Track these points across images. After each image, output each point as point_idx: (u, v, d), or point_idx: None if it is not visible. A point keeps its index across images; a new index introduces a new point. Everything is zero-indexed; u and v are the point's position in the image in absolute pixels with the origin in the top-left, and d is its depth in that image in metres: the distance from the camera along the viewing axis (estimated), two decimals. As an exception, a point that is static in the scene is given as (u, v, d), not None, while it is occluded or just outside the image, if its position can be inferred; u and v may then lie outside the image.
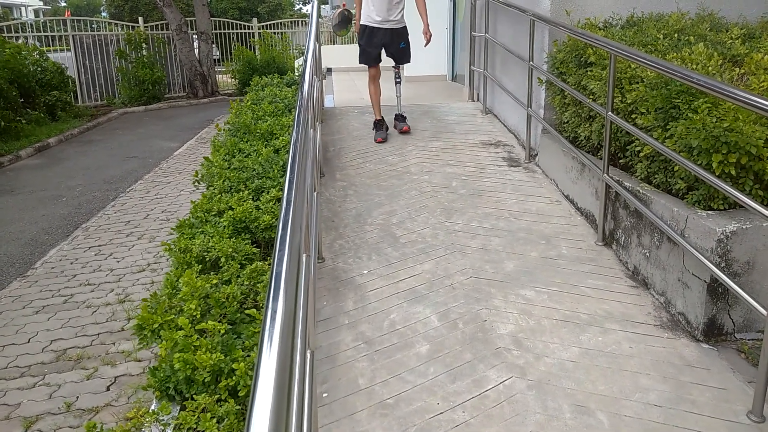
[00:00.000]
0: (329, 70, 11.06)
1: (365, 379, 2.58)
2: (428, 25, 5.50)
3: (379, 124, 5.63)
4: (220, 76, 16.22)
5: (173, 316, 2.37)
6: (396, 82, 5.66)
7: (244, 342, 2.43)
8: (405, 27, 5.55)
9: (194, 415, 1.92)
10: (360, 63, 5.62)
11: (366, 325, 2.95)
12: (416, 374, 2.58)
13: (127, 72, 13.94)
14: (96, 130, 11.76)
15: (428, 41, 5.51)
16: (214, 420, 1.93)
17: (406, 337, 2.84)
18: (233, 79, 14.97)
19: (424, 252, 3.63)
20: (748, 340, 2.70)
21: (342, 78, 10.35)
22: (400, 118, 5.74)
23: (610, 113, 3.31)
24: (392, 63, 5.70)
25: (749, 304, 2.29)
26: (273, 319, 1.01)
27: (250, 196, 3.51)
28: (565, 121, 4.27)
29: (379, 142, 5.47)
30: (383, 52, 5.55)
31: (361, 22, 5.47)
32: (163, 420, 1.96)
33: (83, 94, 14.00)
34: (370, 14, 5.41)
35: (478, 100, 6.83)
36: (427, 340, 2.81)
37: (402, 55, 5.59)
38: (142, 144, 10.30)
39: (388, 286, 3.29)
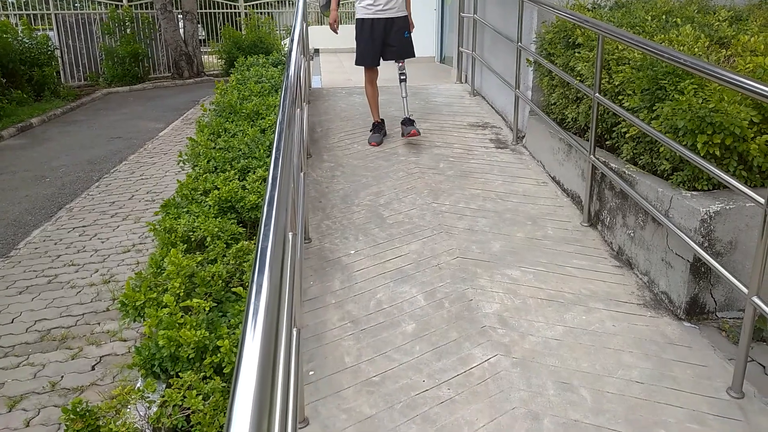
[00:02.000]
0: (316, 51, 10.95)
1: (351, 357, 2.59)
2: (410, 14, 5.05)
3: (377, 127, 5.14)
4: (206, 56, 16.02)
5: (157, 294, 2.36)
6: (401, 80, 4.93)
7: (229, 320, 2.43)
8: (407, 16, 4.97)
9: (180, 393, 1.92)
10: (357, 64, 5.02)
11: (353, 305, 2.96)
12: (402, 352, 2.60)
13: (110, 51, 13.72)
14: (80, 110, 11.59)
15: (410, 32, 5.03)
16: (200, 397, 1.93)
17: (393, 317, 2.85)
18: (219, 60, 14.79)
19: (411, 233, 3.64)
20: (729, 318, 2.74)
21: (329, 59, 10.26)
22: (407, 121, 4.96)
23: (597, 94, 3.32)
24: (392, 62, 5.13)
25: (731, 283, 2.32)
26: (258, 293, 1.00)
27: (236, 176, 3.48)
28: (553, 102, 4.27)
29: (374, 146, 4.97)
30: (383, 52, 4.96)
31: (357, 16, 4.92)
32: (148, 397, 1.96)
33: (66, 74, 13.76)
34: (366, 3, 4.83)
35: (466, 81, 6.81)
36: (414, 319, 2.82)
37: (405, 48, 4.97)
38: (127, 124, 10.18)
39: (375, 266, 3.29)
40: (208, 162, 3.72)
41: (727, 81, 2.25)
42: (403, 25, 4.92)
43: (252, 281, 1.03)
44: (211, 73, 15.27)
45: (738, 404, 2.25)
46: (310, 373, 2.51)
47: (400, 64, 4.93)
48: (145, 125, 10.08)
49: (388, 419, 2.24)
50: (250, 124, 4.34)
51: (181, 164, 4.40)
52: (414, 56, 5.06)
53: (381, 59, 4.99)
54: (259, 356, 0.88)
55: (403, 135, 4.93)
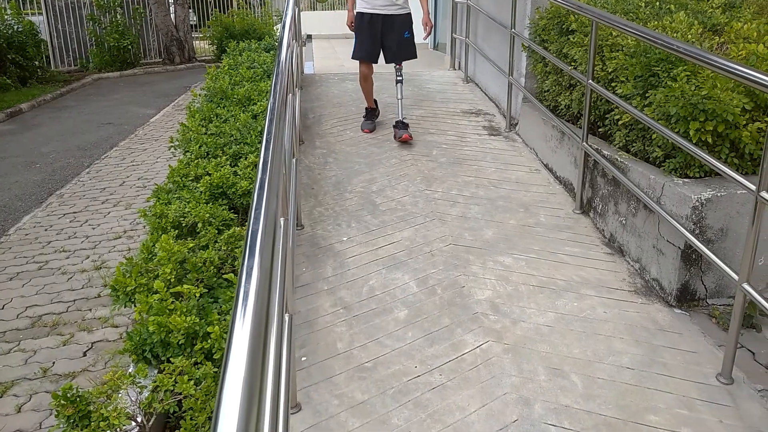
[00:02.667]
0: (309, 36, 10.88)
1: (344, 343, 2.59)
2: (429, 14, 4.75)
3: (370, 113, 5.00)
4: (197, 42, 15.87)
5: (147, 279, 2.35)
6: (397, 81, 4.72)
7: (220, 306, 2.42)
8: (409, 14, 4.68)
9: (171, 378, 1.92)
10: (354, 58, 4.79)
11: (345, 291, 2.96)
12: (394, 338, 2.60)
13: (100, 36, 13.56)
14: (69, 95, 11.46)
15: (429, 33, 4.76)
16: (191, 382, 1.92)
17: (385, 303, 2.85)
18: (211, 46, 14.66)
19: (404, 219, 3.63)
20: (720, 305, 2.76)
21: (322, 45, 10.19)
22: (401, 125, 4.70)
23: (590, 81, 3.31)
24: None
25: (722, 270, 2.33)
26: (249, 277, 1.00)
27: (228, 162, 3.46)
28: (546, 89, 4.26)
29: (366, 133, 4.88)
30: (381, 51, 4.75)
31: (357, 10, 4.67)
32: (140, 383, 1.96)
33: (56, 59, 13.60)
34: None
35: (459, 68, 6.78)
36: (406, 305, 2.83)
37: (405, 49, 4.68)
38: (118, 110, 10.08)
39: (368, 253, 3.29)
40: (199, 147, 3.69)
41: (720, 68, 2.24)
42: (404, 24, 4.64)
43: (242, 265, 1.02)
44: (203, 58, 15.14)
45: (727, 390, 2.27)
46: (303, 359, 2.51)
47: (398, 66, 4.72)
48: (136, 111, 10.00)
49: (380, 405, 2.25)
50: (242, 110, 4.31)
51: (172, 150, 4.37)
52: (415, 57, 4.78)
53: (378, 59, 4.77)
54: (249, 340, 0.88)
55: (395, 138, 4.69)
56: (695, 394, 2.25)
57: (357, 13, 4.69)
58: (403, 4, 4.64)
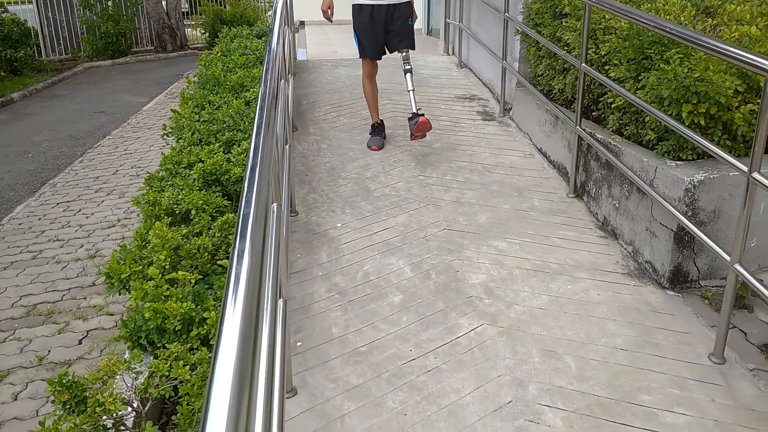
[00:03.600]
0: (302, 23, 10.79)
1: (339, 328, 2.60)
2: (413, 4, 4.46)
3: (377, 129, 4.51)
4: (189, 29, 15.74)
5: (142, 266, 2.35)
6: (405, 71, 4.28)
7: (215, 293, 2.42)
8: (410, 3, 4.40)
9: (167, 363, 1.93)
10: (362, 57, 4.44)
11: (340, 277, 2.97)
12: (389, 323, 2.62)
13: (91, 24, 13.44)
14: (61, 84, 11.38)
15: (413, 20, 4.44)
16: (187, 368, 1.93)
17: (380, 288, 2.86)
18: (203, 33, 14.55)
19: (398, 205, 3.63)
20: (712, 286, 2.78)
21: (315, 31, 10.12)
22: (415, 116, 4.17)
23: (583, 65, 3.30)
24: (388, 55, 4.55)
25: (714, 251, 2.35)
26: (240, 259, 1.00)
27: (221, 149, 3.45)
28: (540, 73, 4.25)
29: (374, 150, 4.38)
30: (386, 42, 4.37)
31: (354, 1, 4.29)
32: (135, 368, 1.96)
33: (47, 48, 13.47)
34: None
35: (453, 53, 6.75)
36: (401, 290, 2.84)
37: (409, 36, 4.35)
38: (110, 99, 10.02)
39: (362, 238, 3.29)
40: (192, 135, 3.68)
41: (713, 49, 2.24)
42: (406, 12, 4.35)
43: (234, 248, 1.02)
44: (195, 46, 15.02)
45: (719, 370, 2.29)
46: (298, 344, 2.52)
47: (404, 53, 4.29)
48: (129, 99, 9.94)
49: (376, 388, 2.26)
50: (235, 97, 4.29)
51: (165, 138, 4.35)
52: (414, 48, 4.42)
53: (385, 51, 4.42)
54: (241, 322, 0.88)
55: (412, 134, 4.14)
56: (687, 374, 2.27)
57: (354, 5, 4.28)
58: None
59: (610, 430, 2.04)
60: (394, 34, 4.32)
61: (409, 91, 4.22)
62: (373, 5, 4.23)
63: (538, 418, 2.09)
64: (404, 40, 4.33)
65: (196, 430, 1.95)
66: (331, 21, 4.44)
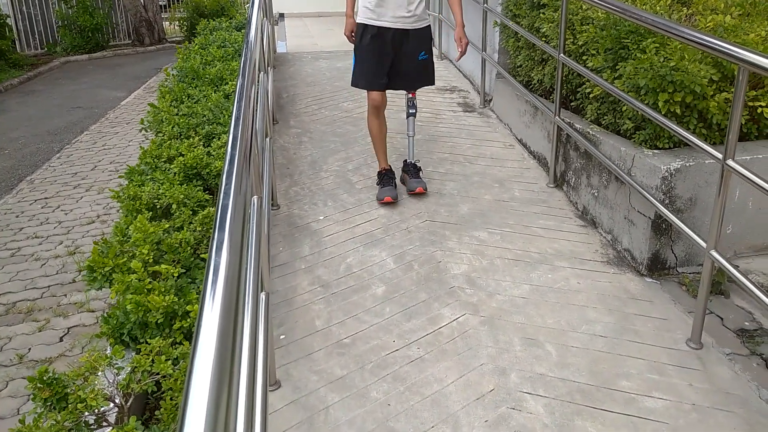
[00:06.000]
0: (281, 15, 10.72)
1: (322, 320, 2.61)
2: (463, 26, 3.48)
3: (386, 178, 3.58)
4: (167, 23, 15.55)
5: (125, 259, 2.33)
6: (408, 114, 3.60)
7: (198, 286, 2.41)
8: (429, 27, 3.52)
9: (149, 358, 1.92)
10: (354, 85, 3.57)
11: (322, 269, 2.97)
12: (372, 314, 2.62)
13: (67, 18, 13.22)
14: (37, 79, 11.20)
15: (463, 52, 3.46)
16: (169, 362, 1.92)
17: (363, 280, 2.87)
18: (181, 27, 14.38)
19: (380, 197, 3.63)
20: (689, 273, 2.82)
21: (295, 23, 10.05)
22: (411, 169, 3.63)
23: (561, 55, 3.33)
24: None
25: (691, 238, 2.38)
26: (219, 249, 1.00)
27: (201, 142, 3.43)
28: (519, 64, 4.27)
29: (388, 203, 3.49)
30: (390, 76, 3.47)
31: (358, 20, 3.43)
32: (117, 364, 1.95)
33: (22, 43, 13.22)
34: (372, 5, 3.34)
35: (433, 45, 6.75)
36: (383, 281, 2.85)
37: (421, 74, 3.52)
38: (87, 94, 9.89)
39: (345, 231, 3.29)
40: (172, 128, 3.65)
41: (688, 39, 2.27)
42: (422, 42, 3.45)
43: (212, 239, 1.02)
44: (173, 39, 14.84)
45: (696, 354, 2.34)
46: (281, 337, 2.52)
47: (411, 95, 3.58)
48: (107, 94, 9.81)
49: (359, 379, 2.27)
50: (214, 90, 4.26)
51: (143, 132, 4.31)
52: (433, 83, 3.67)
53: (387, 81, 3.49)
54: (220, 312, 0.88)
55: (402, 182, 3.66)
56: (666, 360, 2.31)
57: (357, 24, 3.43)
58: (421, 14, 3.39)
59: (590, 416, 2.07)
60: (401, 72, 3.46)
61: (408, 136, 3.65)
62: (378, 27, 3.35)
63: (519, 406, 2.12)
64: (413, 82, 3.55)
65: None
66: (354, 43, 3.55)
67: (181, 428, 0.68)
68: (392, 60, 3.41)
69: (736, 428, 2.00)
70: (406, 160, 3.70)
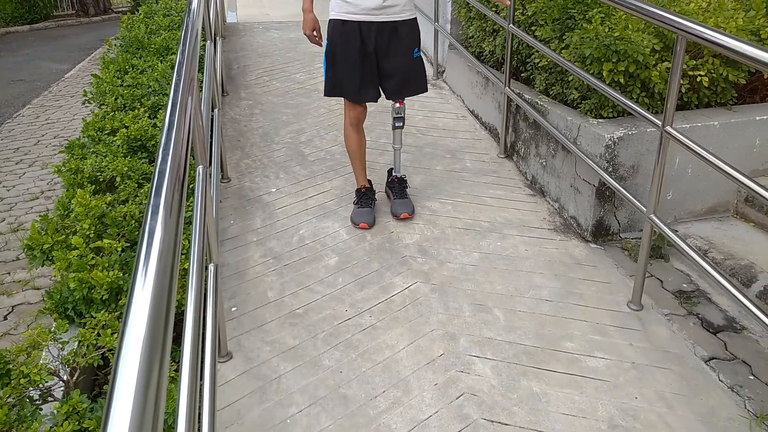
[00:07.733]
0: (232, -15, 10.42)
1: (274, 292, 2.60)
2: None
3: (364, 198, 3.12)
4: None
5: (65, 236, 2.27)
6: (395, 126, 3.10)
7: (145, 260, 2.37)
8: (415, 19, 2.89)
9: (94, 332, 1.88)
10: (328, 95, 2.96)
11: (275, 242, 2.95)
12: (325, 285, 2.63)
13: (5, -14, 12.58)
14: (-27, 51, 10.67)
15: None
16: (115, 336, 1.89)
17: (315, 251, 2.87)
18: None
19: (333, 169, 3.62)
20: (632, 238, 2.92)
21: (246, -6, 9.80)
22: (397, 187, 3.18)
23: (511, 25, 3.35)
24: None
25: (633, 204, 2.46)
26: (154, 213, 0.98)
27: (146, 114, 3.33)
28: (471, 35, 4.28)
29: (363, 228, 3.03)
30: (379, 80, 2.92)
31: (333, 16, 2.82)
32: (61, 338, 1.91)
33: (-45, 11, 12.56)
34: None
35: (386, 16, 6.69)
36: (336, 252, 2.85)
37: (414, 77, 2.95)
38: (29, 66, 9.48)
39: (297, 203, 3.28)
40: (115, 100, 3.53)
41: (632, 8, 2.31)
42: (411, 35, 2.87)
43: (148, 204, 1.00)
44: (119, 9, 14.32)
45: (637, 315, 2.43)
46: (233, 309, 2.51)
47: (398, 105, 3.03)
48: (49, 67, 9.42)
49: (312, 348, 2.29)
50: (160, 60, 4.14)
51: (88, 105, 4.17)
52: (426, 90, 3.07)
53: (379, 92, 2.96)
54: (155, 278, 0.86)
55: (393, 214, 3.12)
56: (608, 321, 2.40)
57: (331, 20, 2.83)
58: (405, 4, 2.79)
59: (535, 376, 2.14)
60: (389, 74, 2.89)
61: (394, 148, 3.20)
62: (359, 22, 2.75)
63: (468, 369, 2.17)
64: (404, 86, 2.96)
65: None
66: (321, 46, 2.96)
67: (109, 402, 0.66)
68: (376, 59, 2.84)
69: (673, 384, 2.10)
70: (391, 170, 3.26)
